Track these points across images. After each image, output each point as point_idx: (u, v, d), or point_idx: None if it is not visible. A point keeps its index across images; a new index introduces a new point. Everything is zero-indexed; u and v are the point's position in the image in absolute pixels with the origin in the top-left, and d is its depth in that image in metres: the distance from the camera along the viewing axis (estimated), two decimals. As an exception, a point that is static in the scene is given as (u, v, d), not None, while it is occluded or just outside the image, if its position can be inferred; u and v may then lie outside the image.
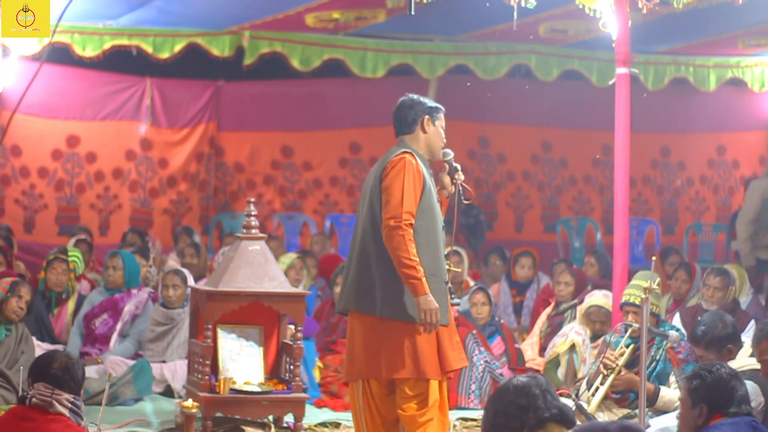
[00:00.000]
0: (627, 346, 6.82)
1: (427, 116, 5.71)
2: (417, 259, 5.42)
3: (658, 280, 6.99)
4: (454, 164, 5.76)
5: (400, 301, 5.51)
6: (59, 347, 8.28)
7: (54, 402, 4.58)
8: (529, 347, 8.96)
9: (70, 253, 9.08)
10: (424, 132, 5.71)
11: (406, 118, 5.72)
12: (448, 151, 5.78)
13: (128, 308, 8.58)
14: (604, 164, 13.51)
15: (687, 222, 13.90)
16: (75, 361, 4.71)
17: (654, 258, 6.56)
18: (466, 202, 5.76)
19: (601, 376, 6.83)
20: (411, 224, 5.46)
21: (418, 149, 5.68)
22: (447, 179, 5.78)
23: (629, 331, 6.84)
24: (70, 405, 4.61)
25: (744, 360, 6.18)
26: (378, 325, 5.56)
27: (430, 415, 5.52)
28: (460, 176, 5.76)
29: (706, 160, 14.13)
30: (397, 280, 5.50)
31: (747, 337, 6.90)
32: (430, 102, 5.80)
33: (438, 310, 5.40)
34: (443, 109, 5.82)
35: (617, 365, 6.79)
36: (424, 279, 5.41)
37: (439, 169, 5.87)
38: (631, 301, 6.92)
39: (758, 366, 5.69)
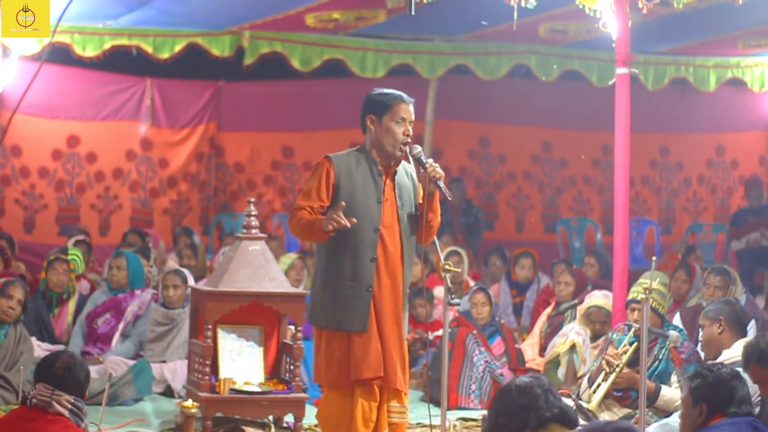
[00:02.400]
0: (630, 344, 6.82)
1: (371, 115, 5.50)
2: (309, 219, 5.36)
3: (658, 279, 6.99)
4: (423, 159, 5.46)
5: (318, 308, 5.53)
6: (60, 347, 8.28)
7: (53, 402, 4.58)
8: (529, 347, 8.96)
9: (70, 252, 9.08)
10: (370, 131, 5.53)
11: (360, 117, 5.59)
12: (415, 146, 5.50)
13: (131, 309, 8.59)
14: (604, 164, 13.52)
15: (684, 222, 13.91)
16: (78, 362, 4.70)
17: (654, 258, 6.57)
18: (449, 198, 5.47)
19: (603, 373, 6.83)
20: (301, 208, 5.41)
21: (370, 148, 5.52)
22: (421, 176, 5.49)
23: (632, 329, 6.84)
24: (70, 406, 4.60)
25: (739, 351, 6.20)
26: (314, 331, 5.65)
27: (326, 425, 5.56)
28: (435, 172, 5.39)
29: (705, 160, 14.14)
30: (319, 287, 5.52)
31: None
32: (383, 96, 5.51)
33: (332, 218, 5.29)
34: (403, 99, 5.49)
35: (620, 363, 6.79)
36: (318, 220, 5.33)
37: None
38: (639, 298, 6.89)
39: None
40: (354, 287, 5.43)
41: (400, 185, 5.57)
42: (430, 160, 5.46)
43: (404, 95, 5.53)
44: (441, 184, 5.43)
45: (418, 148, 5.51)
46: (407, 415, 5.66)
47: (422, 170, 5.45)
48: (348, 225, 5.29)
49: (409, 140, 5.51)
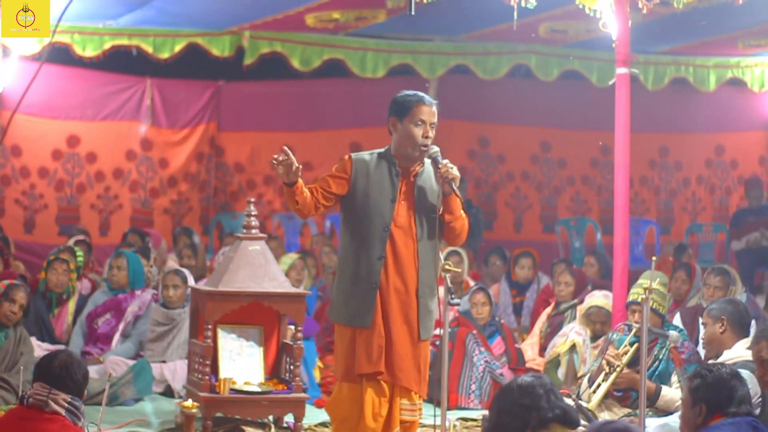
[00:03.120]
0: (631, 345, 6.82)
1: (393, 117, 5.53)
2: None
3: (659, 280, 6.99)
4: (439, 159, 5.49)
5: (333, 304, 5.61)
6: (60, 347, 8.28)
7: (50, 401, 4.58)
8: (529, 347, 8.97)
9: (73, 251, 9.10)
10: (393, 133, 5.56)
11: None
12: (432, 147, 5.51)
13: (131, 309, 8.60)
14: (603, 164, 13.52)
15: (683, 222, 13.91)
16: (76, 361, 4.70)
17: (654, 258, 6.57)
18: (460, 200, 5.54)
19: (603, 373, 6.84)
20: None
21: (392, 149, 5.55)
22: (437, 176, 5.52)
23: (633, 330, 6.84)
24: (66, 405, 4.61)
25: (740, 351, 6.22)
26: (335, 326, 5.73)
27: (334, 416, 5.64)
28: (449, 173, 5.42)
29: (704, 160, 14.13)
30: (334, 284, 5.62)
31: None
32: (404, 98, 5.53)
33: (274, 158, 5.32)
34: (423, 101, 5.50)
35: (620, 363, 6.79)
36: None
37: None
38: (638, 300, 6.87)
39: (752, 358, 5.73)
40: (360, 283, 5.47)
41: (422, 187, 5.56)
42: (446, 161, 5.47)
43: (426, 97, 5.53)
44: (454, 185, 5.43)
45: (435, 149, 5.52)
46: (419, 413, 5.64)
47: (437, 170, 5.47)
48: (281, 158, 5.26)
49: (429, 142, 5.51)
